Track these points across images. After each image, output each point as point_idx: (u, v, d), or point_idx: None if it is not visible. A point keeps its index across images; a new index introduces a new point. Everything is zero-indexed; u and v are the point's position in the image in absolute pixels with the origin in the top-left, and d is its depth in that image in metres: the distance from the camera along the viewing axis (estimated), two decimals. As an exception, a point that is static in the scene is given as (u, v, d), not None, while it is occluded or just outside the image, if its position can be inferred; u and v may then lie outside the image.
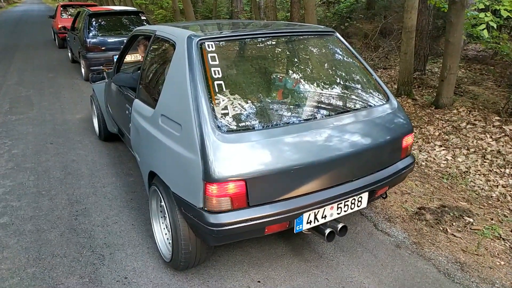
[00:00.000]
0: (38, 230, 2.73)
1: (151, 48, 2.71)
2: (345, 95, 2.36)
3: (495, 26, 3.97)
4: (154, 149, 2.25)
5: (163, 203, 2.27)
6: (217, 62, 2.08)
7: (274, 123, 1.99)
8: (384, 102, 2.40)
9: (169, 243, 2.37)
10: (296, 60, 2.41)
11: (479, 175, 4.07)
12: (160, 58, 2.66)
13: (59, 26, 10.98)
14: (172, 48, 2.32)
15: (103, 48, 7.25)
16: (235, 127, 1.90)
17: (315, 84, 2.32)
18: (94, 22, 7.41)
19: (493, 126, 5.20)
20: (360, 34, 10.66)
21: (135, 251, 2.49)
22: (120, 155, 4.03)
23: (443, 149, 4.76)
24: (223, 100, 1.96)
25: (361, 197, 2.21)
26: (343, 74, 2.46)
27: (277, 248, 2.51)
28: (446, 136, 5.07)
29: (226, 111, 1.94)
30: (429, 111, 5.81)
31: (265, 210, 1.89)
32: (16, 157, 4.00)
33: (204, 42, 2.14)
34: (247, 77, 2.18)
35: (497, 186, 3.82)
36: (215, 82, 2.01)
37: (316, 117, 2.10)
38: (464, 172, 4.11)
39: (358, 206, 2.25)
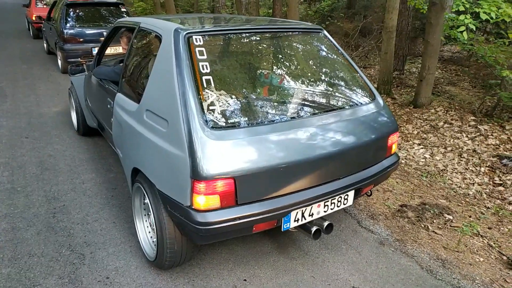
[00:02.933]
0: (13, 228, 2.62)
1: (135, 40, 2.63)
2: (332, 93, 2.36)
3: (474, 28, 4.07)
4: (139, 145, 2.19)
5: (147, 201, 2.21)
6: (205, 57, 2.04)
7: (263, 120, 1.97)
8: (370, 101, 2.41)
9: (153, 242, 2.32)
10: (283, 56, 2.39)
11: (456, 173, 4.19)
12: (144, 51, 2.58)
13: (34, 15, 10.57)
14: (158, 41, 2.25)
15: (81, 39, 7.03)
16: (223, 124, 1.87)
17: (302, 82, 2.31)
18: (71, 13, 7.16)
19: (469, 126, 5.36)
20: (341, 33, 10.75)
21: (116, 250, 2.42)
22: (100, 150, 3.91)
23: (422, 148, 4.87)
24: (211, 96, 1.92)
25: (347, 195, 2.22)
26: (330, 72, 2.46)
27: (262, 246, 2.49)
28: (424, 135, 5.19)
29: (214, 107, 1.90)
30: (408, 110, 5.93)
31: (254, 209, 1.86)
32: (-12, 151, 3.82)
33: (192, 36, 2.09)
34: (235, 73, 2.14)
35: (473, 184, 3.93)
36: (203, 77, 1.96)
37: (303, 115, 2.09)
38: (441, 170, 4.21)
39: (344, 204, 2.26)
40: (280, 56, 2.36)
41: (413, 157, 4.57)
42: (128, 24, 2.93)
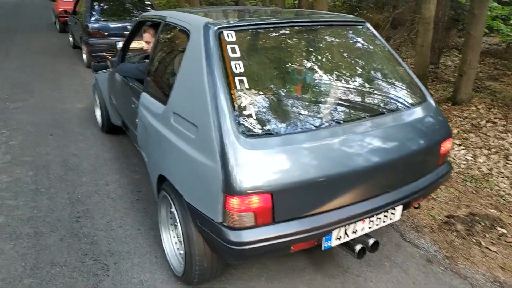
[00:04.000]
0: (36, 233, 2.52)
1: (161, 36, 2.45)
2: (378, 95, 2.11)
3: None
4: (165, 151, 2.01)
5: (173, 210, 2.05)
6: (238, 55, 1.83)
7: (303, 126, 1.75)
8: (421, 103, 2.15)
9: (180, 254, 2.15)
10: (323, 53, 2.15)
11: (502, 177, 3.83)
12: (171, 48, 2.40)
13: (60, 9, 10.63)
14: (186, 37, 2.06)
15: (105, 33, 6.96)
16: (260, 131, 1.66)
17: (344, 82, 2.06)
18: (96, 6, 7.10)
19: (515, 125, 4.95)
20: (371, 24, 10.31)
21: (142, 261, 2.28)
22: (124, 149, 3.79)
23: (463, 149, 4.51)
24: (245, 99, 1.72)
25: (395, 209, 1.98)
26: (375, 70, 2.21)
27: (297, 261, 2.29)
28: (465, 135, 4.82)
29: (249, 112, 1.69)
30: (446, 107, 5.55)
31: (292, 227, 1.66)
32: (13, 149, 3.76)
33: (223, 31, 1.88)
34: (271, 73, 1.93)
35: (523, 190, 3.58)
36: (236, 78, 1.75)
37: (347, 121, 1.85)
38: (486, 174, 3.87)
39: (391, 219, 2.02)
40: (320, 53, 2.13)
41: (454, 159, 4.23)
42: (153, 18, 2.75)
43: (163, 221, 2.25)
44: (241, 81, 1.75)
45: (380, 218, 1.95)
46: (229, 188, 1.56)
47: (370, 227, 1.95)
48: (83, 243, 2.42)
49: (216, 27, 1.87)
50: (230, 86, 1.72)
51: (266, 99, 1.78)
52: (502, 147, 4.42)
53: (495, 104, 5.53)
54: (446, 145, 2.14)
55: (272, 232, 1.62)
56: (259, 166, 1.59)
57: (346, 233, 1.86)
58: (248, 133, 1.63)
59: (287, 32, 2.11)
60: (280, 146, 1.63)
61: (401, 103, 2.08)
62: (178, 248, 2.20)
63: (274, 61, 1.98)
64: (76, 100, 5.34)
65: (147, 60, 3.28)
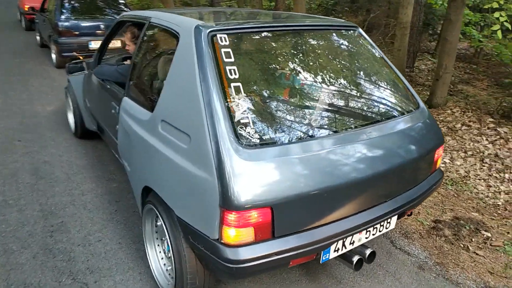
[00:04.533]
0: (5, 250, 2.30)
1: (145, 38, 2.30)
2: (375, 102, 2.06)
3: (510, 27, 3.79)
4: (152, 161, 1.88)
5: (162, 226, 1.92)
6: (232, 59, 1.72)
7: (302, 136, 1.67)
8: (416, 109, 2.12)
9: (167, 271, 2.02)
10: (320, 58, 2.08)
11: (479, 180, 3.93)
12: (157, 51, 2.26)
13: (27, 6, 10.09)
14: (175, 40, 1.93)
15: (76, 32, 6.64)
16: (258, 141, 1.57)
17: (343, 89, 2.00)
18: (66, 4, 6.76)
19: (488, 128, 5.10)
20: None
21: (124, 278, 2.12)
22: (99, 156, 3.59)
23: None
24: (242, 107, 1.62)
25: (391, 218, 1.94)
26: (369, 77, 2.16)
27: (290, 273, 2.20)
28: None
29: (246, 121, 1.59)
30: (423, 111, 5.63)
31: (293, 242, 1.57)
32: (-23, 156, 3.48)
33: (216, 34, 1.77)
34: (268, 79, 1.84)
35: (500, 192, 3.67)
36: (232, 85, 1.65)
37: (347, 129, 1.79)
38: (464, 177, 3.95)
39: (386, 228, 1.98)
40: (315, 58, 2.05)
41: (434, 162, 4.28)
42: (135, 19, 2.60)
43: (148, 236, 2.12)
44: (236, 88, 1.65)
45: (376, 228, 1.90)
46: (226, 203, 1.45)
47: (366, 237, 1.89)
48: (59, 260, 2.24)
49: (208, 30, 1.76)
50: (225, 94, 1.61)
51: (264, 107, 1.69)
52: (477, 150, 4.53)
53: (469, 107, 5.69)
54: (439, 152, 2.13)
55: (272, 248, 1.53)
56: (259, 178, 1.49)
57: (344, 245, 1.80)
58: (246, 143, 1.53)
59: (280, 35, 2.03)
60: (279, 157, 1.55)
61: (397, 110, 2.05)
62: (165, 264, 2.06)
63: (269, 66, 1.89)
64: (46, 102, 5.04)
65: (126, 62, 3.12)
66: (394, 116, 1.99)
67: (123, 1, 7.41)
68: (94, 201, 2.86)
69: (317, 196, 1.58)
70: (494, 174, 4.02)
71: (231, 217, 1.46)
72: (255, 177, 1.49)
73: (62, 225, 2.56)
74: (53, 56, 6.94)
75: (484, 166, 4.22)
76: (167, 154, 1.75)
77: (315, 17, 2.45)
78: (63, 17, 6.61)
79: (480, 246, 2.59)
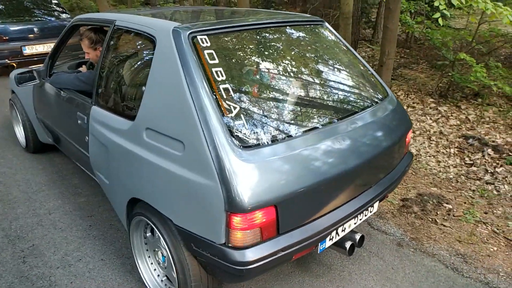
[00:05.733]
0: (-27, 285, 2.10)
1: (111, 43, 2.18)
2: (350, 94, 2.16)
3: (448, 14, 4.11)
4: (139, 171, 1.81)
5: (154, 237, 1.87)
6: (216, 61, 1.71)
7: (295, 131, 1.70)
8: (386, 97, 2.25)
9: (162, 282, 1.98)
10: (296, 54, 2.12)
11: (429, 156, 4.26)
12: (128, 56, 2.15)
13: None
14: (149, 44, 1.87)
15: (6, 37, 6.07)
16: (255, 141, 1.58)
17: (322, 83, 2.07)
18: (-10, 6, 6.15)
19: (430, 108, 5.53)
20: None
21: (116, 295, 2.04)
22: (59, 170, 3.35)
23: (393, 134, 4.89)
24: (234, 109, 1.61)
25: (375, 202, 2.06)
26: (341, 69, 2.25)
27: (283, 266, 2.25)
28: (393, 120, 5.23)
29: (241, 122, 1.59)
30: (372, 96, 5.96)
31: (296, 236, 1.62)
32: None
33: (196, 36, 1.74)
34: (253, 78, 1.84)
35: (449, 166, 4.02)
36: (221, 87, 1.64)
37: (332, 122, 1.86)
38: (416, 155, 4.26)
39: (371, 212, 2.10)
40: (293, 54, 2.09)
41: (389, 144, 4.56)
42: (94, 22, 2.45)
43: (137, 248, 2.04)
44: (225, 90, 1.64)
45: (363, 213, 2.01)
46: (232, 206, 1.45)
47: (355, 223, 1.99)
48: (39, 287, 2.08)
49: (188, 32, 1.72)
50: (216, 96, 1.60)
51: (255, 107, 1.70)
52: (424, 129, 4.90)
53: (411, 90, 6.11)
54: (409, 136, 2.28)
55: (278, 246, 1.56)
56: (261, 178, 1.51)
57: (337, 233, 1.88)
58: (244, 145, 1.54)
59: (258, 33, 2.03)
60: (277, 155, 1.57)
61: (370, 100, 2.16)
62: (158, 275, 2.01)
63: (253, 65, 1.89)
64: (-18, 117, 4.58)
65: (81, 69, 2.94)
66: (369, 106, 2.10)
67: (56, 1, 6.89)
68: (64, 218, 2.68)
69: (315, 189, 1.63)
70: (441, 150, 4.38)
71: (237, 219, 1.47)
72: (257, 178, 1.50)
73: (34, 248, 2.38)
74: (-18, 65, 6.30)
75: (431, 143, 4.58)
76: (157, 163, 1.69)
77: (283, 13, 2.49)
78: (-12, 21, 6.01)
79: (445, 218, 2.83)
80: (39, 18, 6.54)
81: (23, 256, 2.31)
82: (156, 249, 1.95)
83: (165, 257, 1.89)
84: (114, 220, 2.65)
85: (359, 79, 2.26)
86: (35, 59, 6.08)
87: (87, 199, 2.93)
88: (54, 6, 6.91)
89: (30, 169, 3.35)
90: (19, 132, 3.65)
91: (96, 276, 2.16)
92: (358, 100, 2.13)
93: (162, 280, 1.99)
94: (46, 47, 6.26)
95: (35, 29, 6.22)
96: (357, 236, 1.99)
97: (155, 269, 2.03)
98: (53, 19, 6.67)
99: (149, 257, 2.04)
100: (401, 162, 2.25)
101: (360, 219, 2.02)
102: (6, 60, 6.02)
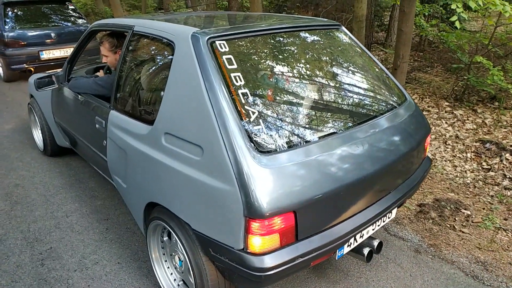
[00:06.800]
0: (-6, 287, 2.13)
1: (130, 48, 2.21)
2: (368, 98, 2.14)
3: (466, 17, 4.06)
4: (158, 176, 1.82)
5: (171, 241, 1.88)
6: (235, 66, 1.71)
7: (314, 136, 1.69)
8: (404, 102, 2.23)
9: (179, 286, 1.98)
10: (315, 59, 2.11)
11: (445, 161, 4.19)
12: (146, 61, 2.17)
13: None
14: (169, 49, 1.88)
15: (24, 43, 6.20)
16: (273, 146, 1.57)
17: (340, 88, 2.05)
18: (10, 13, 6.29)
19: (445, 112, 5.45)
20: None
21: (133, 299, 2.05)
22: (75, 173, 3.40)
23: (408, 138, 4.83)
24: (253, 114, 1.61)
25: (393, 208, 2.03)
26: (359, 74, 2.24)
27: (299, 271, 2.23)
28: (407, 124, 5.16)
29: (260, 127, 1.59)
30: (385, 100, 5.90)
31: (315, 243, 1.60)
32: None
33: (215, 41, 1.75)
34: (273, 83, 1.83)
35: (466, 171, 3.95)
36: (239, 91, 1.64)
37: (351, 127, 1.84)
38: (432, 159, 4.19)
39: (389, 218, 2.07)
40: (311, 59, 2.08)
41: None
42: (113, 28, 2.48)
43: (154, 254, 2.05)
44: (244, 94, 1.64)
45: (382, 219, 1.98)
46: (251, 212, 1.44)
47: (373, 229, 1.97)
48: (58, 289, 2.11)
49: (207, 37, 1.73)
50: (235, 102, 1.60)
51: (273, 111, 1.69)
52: (439, 133, 4.83)
53: (426, 93, 6.04)
54: (427, 140, 2.25)
55: (297, 252, 1.55)
56: (280, 184, 1.50)
57: (355, 239, 1.86)
58: (263, 150, 1.53)
59: (275, 38, 2.03)
60: (296, 160, 1.56)
61: (389, 104, 2.14)
62: (175, 280, 2.01)
63: (270, 69, 1.89)
64: (2, 120, 4.67)
65: (99, 74, 2.98)
66: (388, 111, 2.08)
67: (73, 7, 7.02)
68: (81, 221, 2.71)
69: (334, 195, 1.61)
70: (458, 155, 4.31)
71: (256, 225, 1.46)
72: (276, 183, 1.50)
73: (51, 251, 2.41)
74: (1, 69, 6.44)
75: (447, 148, 4.51)
76: (176, 168, 1.70)
77: (299, 17, 2.48)
78: (7, 27, 6.15)
79: (463, 224, 2.78)
80: (56, 24, 6.67)
81: (41, 259, 2.34)
82: (173, 253, 1.95)
83: (182, 261, 1.89)
84: (130, 224, 2.66)
85: (377, 84, 2.24)
86: (52, 63, 6.19)
87: (104, 202, 2.95)
88: (71, 12, 7.03)
89: (47, 172, 3.40)
90: (37, 135, 3.71)
91: (113, 280, 2.18)
92: (376, 105, 2.11)
93: (178, 285, 1.99)
94: (63, 52, 6.37)
95: (52, 34, 6.34)
96: (375, 243, 1.97)
97: (171, 273, 2.03)
98: (69, 24, 6.79)
99: (166, 261, 2.05)
100: (419, 167, 2.22)
101: (378, 225, 2.00)
102: (24, 64, 6.15)
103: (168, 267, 2.04)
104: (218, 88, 1.60)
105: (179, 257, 1.91)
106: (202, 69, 1.64)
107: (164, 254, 2.05)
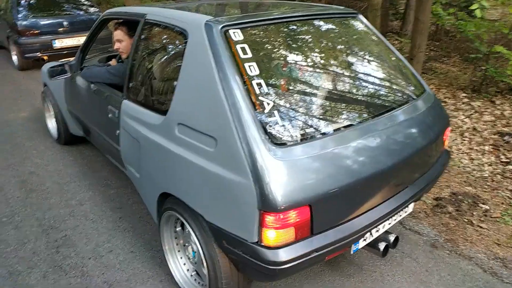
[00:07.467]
0: (11, 273, 2.16)
1: (142, 37, 2.18)
2: (386, 89, 2.08)
3: (487, 6, 3.92)
4: (171, 166, 1.80)
5: (185, 231, 1.87)
6: (249, 55, 1.67)
7: (330, 128, 1.65)
8: (423, 93, 2.16)
9: (192, 276, 1.98)
10: (330, 48, 2.05)
11: (462, 154, 4.09)
12: (159, 50, 2.14)
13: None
14: (182, 38, 1.84)
15: (37, 31, 6.23)
16: (289, 138, 1.53)
17: (356, 78, 2.00)
18: (23, 1, 6.31)
19: (463, 103, 5.31)
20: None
21: (146, 288, 2.06)
22: (88, 162, 3.42)
23: (424, 129, 4.73)
24: (268, 105, 1.57)
25: (410, 203, 1.98)
26: (377, 63, 2.17)
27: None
28: (423, 116, 5.06)
29: (275, 119, 1.55)
30: (401, 90, 5.78)
31: (330, 237, 1.57)
32: (-47, 174, 3.21)
33: (228, 30, 1.70)
34: (285, 72, 1.79)
35: (483, 165, 3.85)
36: (253, 82, 1.60)
37: (368, 119, 1.79)
38: (450, 152, 4.10)
39: (405, 213, 2.02)
40: (326, 48, 2.03)
41: (420, 140, 4.41)
42: (125, 16, 2.45)
43: (167, 243, 2.04)
44: (259, 85, 1.60)
45: (398, 214, 1.94)
46: (266, 205, 1.42)
47: (389, 224, 1.92)
48: (72, 277, 2.13)
49: (220, 26, 1.69)
50: (249, 92, 1.56)
51: (288, 102, 1.65)
52: (456, 125, 4.71)
53: (442, 84, 5.89)
54: (447, 133, 2.18)
55: (311, 246, 1.52)
56: (295, 177, 1.47)
57: (371, 233, 1.82)
58: (278, 142, 1.50)
59: (289, 26, 1.98)
60: (311, 153, 1.53)
61: (408, 95, 2.07)
62: (188, 270, 2.01)
63: (285, 58, 1.84)
64: (17, 109, 4.72)
65: (111, 62, 2.96)
66: (406, 102, 2.01)
67: (85, -5, 7.02)
68: (95, 210, 2.73)
69: (350, 189, 1.57)
70: (475, 147, 4.20)
71: (271, 218, 1.43)
72: (292, 176, 1.46)
73: (66, 239, 2.43)
74: (14, 58, 6.51)
75: (464, 140, 4.40)
76: (189, 159, 1.68)
77: (315, 5, 2.41)
78: (20, 15, 6.18)
79: (481, 219, 2.71)
80: (69, 12, 6.68)
81: (56, 246, 2.36)
82: (186, 244, 1.95)
83: (195, 252, 1.88)
84: (143, 213, 2.67)
85: (396, 74, 2.18)
86: (65, 52, 6.22)
87: (117, 191, 2.97)
88: (83, 0, 7.02)
89: (61, 161, 3.43)
90: (51, 124, 3.73)
91: (126, 268, 2.19)
92: (394, 96, 2.05)
93: (191, 275, 1.99)
94: (75, 41, 6.38)
95: (65, 23, 6.35)
96: (391, 237, 1.93)
97: (184, 264, 2.03)
98: (82, 13, 6.80)
99: (179, 251, 2.04)
100: (437, 161, 2.15)
101: (395, 220, 1.95)
102: (38, 53, 6.18)
103: (181, 258, 2.04)
104: (232, 78, 1.56)
105: (192, 248, 1.90)
106: (216, 59, 1.61)
107: (177, 245, 2.05)
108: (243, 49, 1.67)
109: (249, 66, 1.64)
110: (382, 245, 1.87)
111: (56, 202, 2.81)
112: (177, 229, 1.99)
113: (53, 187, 3.00)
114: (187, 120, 1.72)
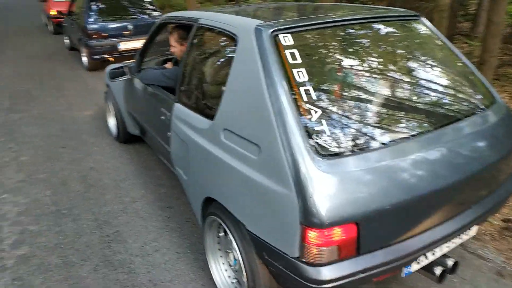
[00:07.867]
0: (66, 264, 2.29)
1: (194, 40, 2.20)
2: (450, 99, 1.90)
3: None
4: (216, 172, 1.79)
5: (227, 238, 1.84)
6: (299, 61, 1.60)
7: (382, 140, 1.53)
8: (493, 104, 1.94)
9: (233, 283, 1.95)
10: (388, 53, 1.92)
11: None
12: (210, 54, 2.16)
13: (53, 9, 10.24)
14: (232, 42, 1.82)
15: (105, 34, 6.65)
16: (337, 150, 1.45)
17: (417, 85, 1.84)
18: (94, 6, 6.77)
19: (541, 113, 4.74)
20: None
21: (188, 291, 2.07)
22: (144, 161, 3.56)
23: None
24: (316, 113, 1.50)
25: (474, 225, 1.78)
26: (440, 71, 1.99)
27: (359, 282, 2.09)
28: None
29: (322, 128, 1.47)
30: (468, 97, 5.32)
31: (378, 258, 1.46)
32: (26, 165, 3.51)
33: (278, 34, 1.65)
34: (340, 80, 1.70)
35: None
36: (302, 89, 1.53)
37: (428, 131, 1.64)
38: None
39: (467, 235, 1.83)
40: (383, 53, 1.90)
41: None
42: (180, 20, 2.50)
43: (210, 247, 2.04)
44: (307, 92, 1.53)
45: (459, 236, 1.75)
46: (308, 220, 1.34)
47: (448, 247, 1.75)
48: (120, 273, 2.20)
49: (270, 30, 1.64)
50: (296, 99, 1.50)
51: (338, 111, 1.56)
52: (533, 138, 4.21)
53: (518, 92, 5.34)
54: (520, 149, 1.94)
55: (357, 267, 1.42)
56: (342, 191, 1.38)
57: (426, 257, 1.66)
58: (325, 153, 1.42)
59: (344, 30, 1.88)
60: (362, 166, 1.42)
61: (475, 105, 1.87)
62: (229, 276, 1.99)
63: (337, 64, 1.75)
64: (83, 107, 5.07)
65: (167, 65, 3.05)
66: (473, 113, 1.82)
67: (150, 0, 7.37)
68: (146, 208, 2.82)
69: (404, 207, 1.45)
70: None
71: (313, 234, 1.36)
72: (338, 190, 1.37)
73: (117, 234, 2.53)
74: (84, 59, 7.00)
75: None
76: (233, 165, 1.65)
77: (373, 7, 2.28)
78: (91, 19, 6.63)
79: (559, 247, 2.38)
80: (133, 16, 7.05)
81: (108, 241, 2.47)
82: (228, 251, 1.93)
83: (236, 260, 1.85)
84: (191, 214, 2.71)
85: (462, 82, 1.98)
86: (130, 54, 6.57)
87: (168, 190, 3.05)
88: (147, 5, 7.38)
89: (119, 158, 3.60)
90: (111, 123, 3.94)
91: (170, 268, 2.23)
92: (460, 106, 1.86)
93: (232, 282, 1.97)
94: (138, 43, 6.71)
95: (129, 27, 6.71)
96: (450, 262, 1.74)
97: (226, 270, 2.01)
98: (145, 17, 7.14)
99: (221, 257, 2.03)
100: (508, 179, 1.92)
101: (455, 244, 1.77)
102: (105, 55, 6.60)
103: (223, 263, 2.03)
104: (279, 84, 1.51)
105: (233, 255, 1.88)
106: (263, 64, 1.56)
107: (220, 250, 2.04)
108: (292, 54, 1.61)
109: (298, 72, 1.57)
110: (438, 270, 1.71)
111: (111, 198, 2.95)
112: (220, 234, 1.97)
113: (109, 184, 3.16)
114: (232, 125, 1.69)
